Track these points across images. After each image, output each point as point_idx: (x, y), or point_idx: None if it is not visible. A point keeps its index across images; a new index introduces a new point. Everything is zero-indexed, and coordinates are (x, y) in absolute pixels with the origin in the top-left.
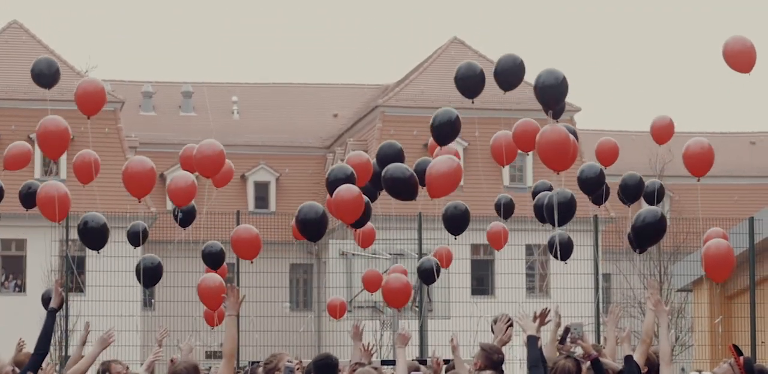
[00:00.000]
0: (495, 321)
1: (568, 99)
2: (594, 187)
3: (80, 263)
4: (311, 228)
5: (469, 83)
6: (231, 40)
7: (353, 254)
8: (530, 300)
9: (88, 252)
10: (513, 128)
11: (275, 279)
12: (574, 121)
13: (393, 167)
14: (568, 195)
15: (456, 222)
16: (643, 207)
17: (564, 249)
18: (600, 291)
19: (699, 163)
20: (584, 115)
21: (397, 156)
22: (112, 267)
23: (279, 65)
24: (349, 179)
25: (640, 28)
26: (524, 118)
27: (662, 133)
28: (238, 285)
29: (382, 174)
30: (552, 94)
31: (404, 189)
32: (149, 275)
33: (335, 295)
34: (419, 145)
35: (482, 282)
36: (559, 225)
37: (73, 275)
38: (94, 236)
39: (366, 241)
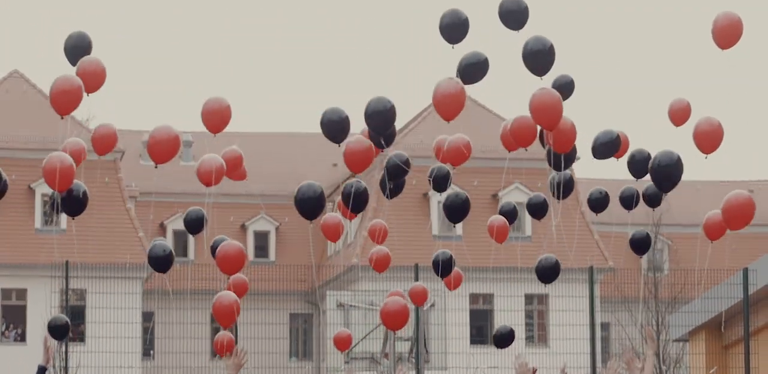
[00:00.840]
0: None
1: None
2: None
3: (80, 313)
4: (309, 206)
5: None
6: (230, 89)
7: (351, 305)
8: (529, 350)
9: (89, 302)
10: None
11: (275, 330)
12: (572, 170)
13: None
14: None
15: (456, 209)
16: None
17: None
18: (597, 341)
19: (708, 139)
20: (583, 164)
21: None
22: (113, 318)
23: (279, 114)
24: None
25: (636, 81)
26: (524, 166)
27: (680, 115)
28: (236, 335)
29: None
30: (540, 59)
31: None
32: (160, 262)
33: (333, 346)
34: (419, 194)
35: (481, 331)
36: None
37: (73, 326)
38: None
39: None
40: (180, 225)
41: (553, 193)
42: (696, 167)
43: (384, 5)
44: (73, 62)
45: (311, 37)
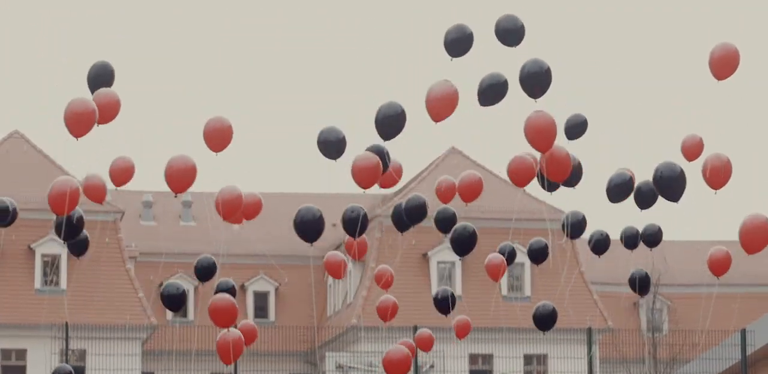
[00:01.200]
0: None
1: (565, 208)
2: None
3: None
4: (308, 228)
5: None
6: (230, 90)
7: (350, 367)
8: None
9: (88, 363)
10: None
11: None
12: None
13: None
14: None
15: (463, 242)
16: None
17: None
18: None
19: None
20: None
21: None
22: None
23: (278, 175)
24: None
25: (630, 156)
26: (523, 226)
27: (693, 151)
28: None
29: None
30: (537, 82)
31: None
32: (173, 300)
33: None
34: (418, 254)
35: None
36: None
37: None
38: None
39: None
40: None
41: (566, 233)
42: (694, 227)
43: (384, 5)
44: (93, 90)
45: (311, 37)
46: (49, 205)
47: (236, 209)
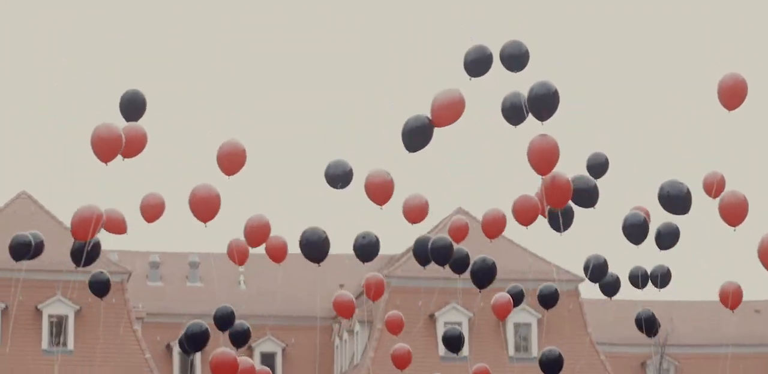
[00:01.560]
0: None
1: (573, 270)
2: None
3: None
4: (314, 248)
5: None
6: (230, 90)
7: None
8: None
9: None
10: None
11: None
12: (578, 292)
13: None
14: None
15: (483, 274)
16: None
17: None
18: None
19: (734, 212)
20: (588, 284)
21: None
22: None
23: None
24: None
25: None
26: (530, 287)
27: (715, 188)
28: None
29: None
30: (545, 104)
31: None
32: (193, 341)
33: None
34: (425, 315)
35: None
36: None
37: None
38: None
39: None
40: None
41: (587, 273)
42: (702, 287)
43: (384, 5)
44: (128, 118)
45: (311, 37)
46: (72, 231)
47: (265, 237)
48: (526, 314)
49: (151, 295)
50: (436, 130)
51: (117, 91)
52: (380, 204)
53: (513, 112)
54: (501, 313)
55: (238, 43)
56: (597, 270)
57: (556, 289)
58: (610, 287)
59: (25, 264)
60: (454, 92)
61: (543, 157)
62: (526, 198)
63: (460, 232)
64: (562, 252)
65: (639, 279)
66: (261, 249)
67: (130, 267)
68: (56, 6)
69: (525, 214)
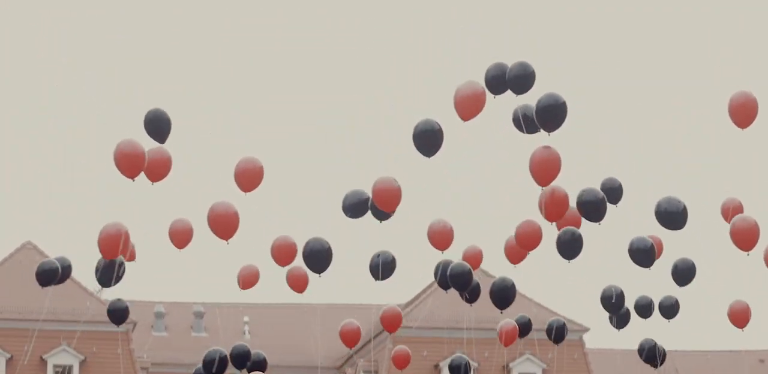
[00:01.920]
0: None
1: (577, 319)
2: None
3: None
4: (317, 258)
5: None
6: (230, 89)
7: None
8: None
9: None
10: None
11: None
12: (583, 342)
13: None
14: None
15: (503, 293)
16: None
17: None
18: None
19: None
20: (593, 334)
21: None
22: None
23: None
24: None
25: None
26: (535, 337)
27: (740, 317)
28: None
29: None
30: (552, 115)
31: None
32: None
33: None
34: (429, 365)
35: None
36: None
37: None
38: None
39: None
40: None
41: (606, 304)
42: (707, 336)
43: (384, 5)
44: (157, 138)
45: (311, 37)
46: (99, 249)
47: (291, 255)
48: (531, 364)
49: (155, 345)
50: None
51: (116, 91)
52: (388, 211)
53: (526, 123)
54: (507, 340)
55: (238, 43)
56: (618, 301)
57: (564, 323)
58: (622, 320)
59: (32, 312)
60: (475, 84)
61: (544, 169)
62: (530, 223)
63: (475, 259)
64: (567, 302)
65: (644, 309)
66: (266, 299)
67: (135, 317)
68: (70, 226)
69: (528, 240)
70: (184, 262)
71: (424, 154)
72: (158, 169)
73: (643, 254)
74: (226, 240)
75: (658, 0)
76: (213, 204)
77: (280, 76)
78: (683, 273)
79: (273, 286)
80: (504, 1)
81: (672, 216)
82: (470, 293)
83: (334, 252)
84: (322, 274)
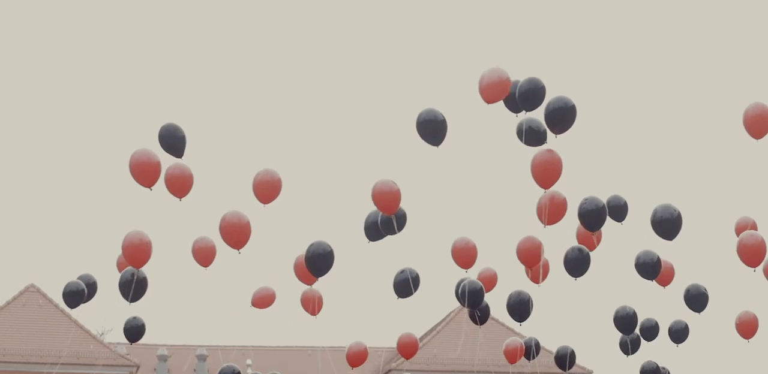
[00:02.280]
0: None
1: (581, 362)
2: None
3: None
4: (319, 262)
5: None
6: (232, 90)
7: None
8: None
9: None
10: None
11: None
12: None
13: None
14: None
15: (519, 308)
16: None
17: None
18: None
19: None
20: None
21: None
22: None
23: (293, 327)
24: None
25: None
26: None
27: (748, 328)
28: None
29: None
30: (562, 118)
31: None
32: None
33: None
34: None
35: None
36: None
37: None
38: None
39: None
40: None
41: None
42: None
43: (384, 5)
44: (174, 153)
45: (311, 37)
46: (125, 256)
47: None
48: None
49: None
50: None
51: (131, 354)
52: (388, 214)
53: (529, 135)
54: (512, 357)
55: (238, 43)
56: (629, 321)
57: (572, 351)
58: (634, 345)
59: (36, 355)
60: (500, 70)
61: (546, 171)
62: (531, 239)
63: (490, 282)
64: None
65: (650, 331)
66: (270, 342)
67: (138, 360)
68: (73, 269)
69: (530, 256)
70: (187, 307)
71: (430, 143)
72: (180, 185)
73: (650, 268)
74: (238, 249)
75: (667, 3)
76: (225, 214)
77: (294, 338)
78: (696, 299)
79: (276, 329)
80: (505, 1)
81: (666, 224)
82: (481, 312)
83: (336, 256)
84: (319, 277)
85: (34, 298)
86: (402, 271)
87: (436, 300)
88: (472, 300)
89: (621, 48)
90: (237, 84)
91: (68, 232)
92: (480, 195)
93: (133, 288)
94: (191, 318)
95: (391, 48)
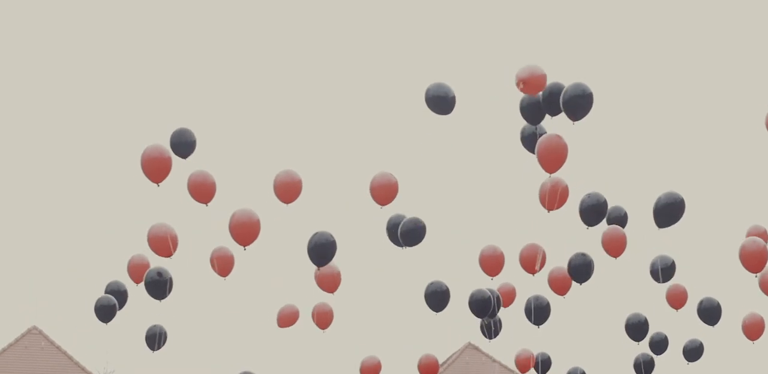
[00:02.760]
0: None
1: None
2: None
3: None
4: (321, 251)
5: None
6: (233, 89)
7: None
8: None
9: None
10: None
11: None
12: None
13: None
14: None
15: (540, 312)
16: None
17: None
18: None
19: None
20: None
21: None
22: None
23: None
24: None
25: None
26: None
27: (754, 329)
28: None
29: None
30: (579, 105)
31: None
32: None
33: None
34: None
35: None
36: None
37: None
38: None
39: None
40: None
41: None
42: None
43: (384, 5)
44: (181, 155)
45: (311, 37)
46: (151, 248)
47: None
48: None
49: None
50: None
51: (116, 91)
52: (382, 205)
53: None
54: (524, 367)
55: (238, 43)
56: (641, 329)
57: (583, 371)
58: (648, 367)
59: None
60: (537, 67)
61: (552, 155)
62: (533, 247)
63: (508, 297)
64: None
65: (660, 345)
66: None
67: None
68: (76, 312)
69: (532, 264)
70: (190, 347)
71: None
72: (204, 191)
73: (664, 273)
74: (245, 246)
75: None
76: (235, 211)
77: (279, 75)
78: (709, 313)
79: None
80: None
81: (670, 208)
82: (488, 326)
83: (338, 246)
84: (321, 267)
85: (36, 341)
86: (432, 283)
87: (439, 341)
88: (477, 310)
89: (643, 42)
90: (241, 84)
91: (71, 275)
92: (487, 199)
93: (159, 285)
94: (192, 353)
95: (409, 48)
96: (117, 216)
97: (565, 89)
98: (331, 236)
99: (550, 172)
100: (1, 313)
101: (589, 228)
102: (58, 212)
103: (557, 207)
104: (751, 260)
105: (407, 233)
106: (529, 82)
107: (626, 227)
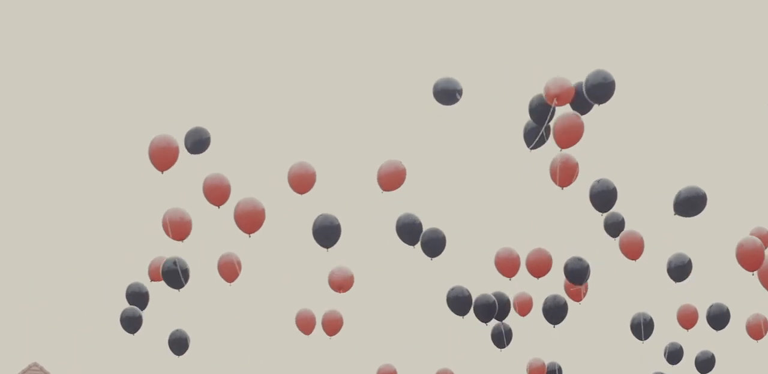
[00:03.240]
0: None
1: None
2: None
3: None
4: (326, 234)
5: None
6: (234, 88)
7: None
8: None
9: None
10: None
11: None
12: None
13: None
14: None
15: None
16: None
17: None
18: None
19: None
20: None
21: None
22: None
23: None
24: None
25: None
26: None
27: (758, 330)
28: None
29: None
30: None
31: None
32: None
33: None
34: None
35: None
36: None
37: None
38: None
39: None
40: None
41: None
42: None
43: (384, 5)
44: (194, 151)
45: (311, 37)
46: (169, 233)
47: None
48: None
49: None
50: None
51: (117, 92)
52: (386, 190)
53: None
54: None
55: (237, 43)
56: (647, 326)
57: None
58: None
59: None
60: (565, 80)
61: (568, 132)
62: (540, 252)
63: (525, 307)
64: None
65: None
66: None
67: None
68: (77, 348)
69: (540, 268)
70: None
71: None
72: (219, 195)
73: (680, 270)
74: (249, 234)
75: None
76: (240, 200)
77: (279, 75)
78: (718, 319)
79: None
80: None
81: (691, 201)
82: (496, 332)
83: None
84: (329, 249)
85: None
86: (453, 288)
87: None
88: (481, 314)
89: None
90: (247, 79)
91: (72, 310)
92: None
93: (176, 275)
94: None
95: (415, 47)
96: (119, 255)
97: (586, 78)
98: (336, 219)
99: (564, 148)
100: (1, 349)
101: (603, 214)
102: (60, 244)
103: (568, 184)
104: (748, 258)
105: (428, 243)
106: (561, 97)
107: (641, 225)
